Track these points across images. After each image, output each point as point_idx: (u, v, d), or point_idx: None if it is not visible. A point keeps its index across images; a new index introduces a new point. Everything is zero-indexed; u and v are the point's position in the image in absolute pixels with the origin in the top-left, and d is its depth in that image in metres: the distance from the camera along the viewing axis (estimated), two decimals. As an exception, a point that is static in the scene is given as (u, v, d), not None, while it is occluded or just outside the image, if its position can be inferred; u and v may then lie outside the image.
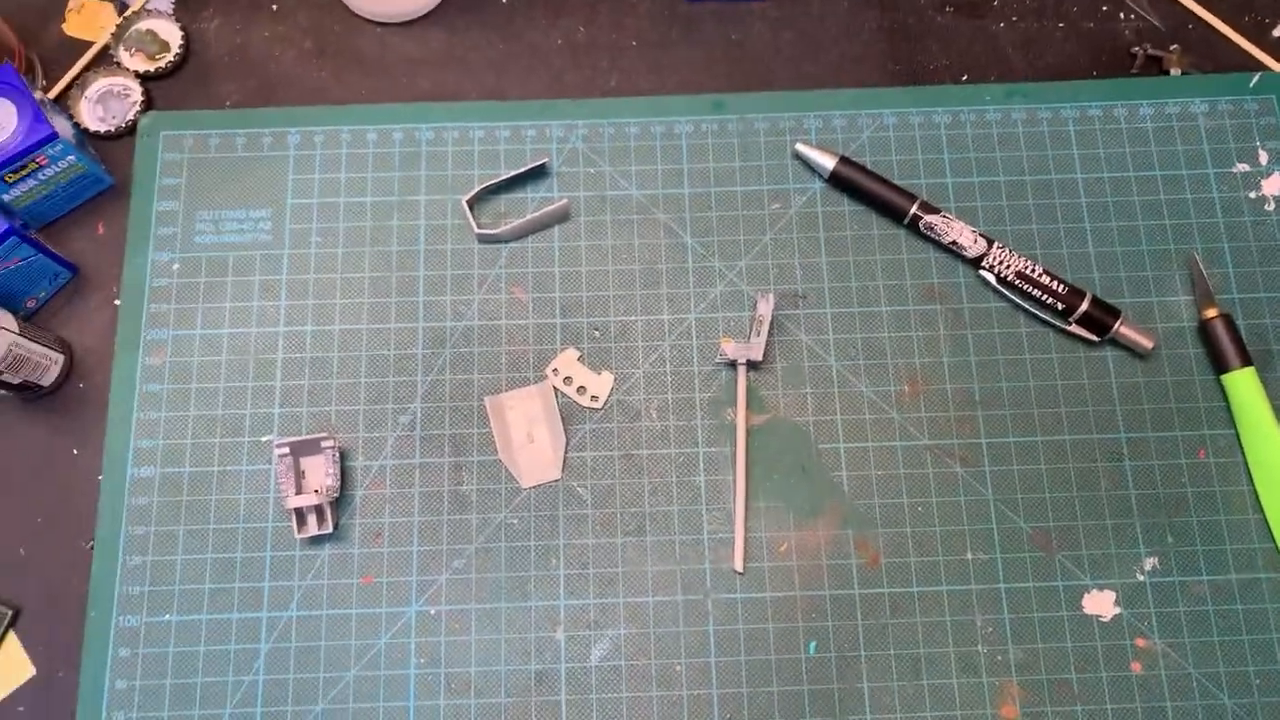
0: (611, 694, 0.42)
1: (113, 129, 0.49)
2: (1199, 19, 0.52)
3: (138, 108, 0.50)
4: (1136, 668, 0.43)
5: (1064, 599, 0.43)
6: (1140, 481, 0.45)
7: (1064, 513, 0.45)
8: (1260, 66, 0.51)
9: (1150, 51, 0.51)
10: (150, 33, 0.51)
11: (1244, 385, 0.45)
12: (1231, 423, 0.46)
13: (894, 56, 0.52)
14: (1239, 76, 0.51)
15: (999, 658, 0.43)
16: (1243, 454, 0.45)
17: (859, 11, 0.52)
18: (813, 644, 0.43)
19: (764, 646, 0.43)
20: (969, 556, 0.44)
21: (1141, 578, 0.44)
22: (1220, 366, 0.46)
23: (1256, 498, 0.45)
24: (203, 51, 0.52)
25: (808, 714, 0.42)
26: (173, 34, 0.51)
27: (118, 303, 0.47)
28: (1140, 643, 0.43)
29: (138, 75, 0.50)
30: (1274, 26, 0.52)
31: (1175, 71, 0.51)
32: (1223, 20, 0.52)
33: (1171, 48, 0.51)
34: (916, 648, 0.43)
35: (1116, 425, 0.46)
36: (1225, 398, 0.46)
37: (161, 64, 0.51)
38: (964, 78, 0.51)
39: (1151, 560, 0.44)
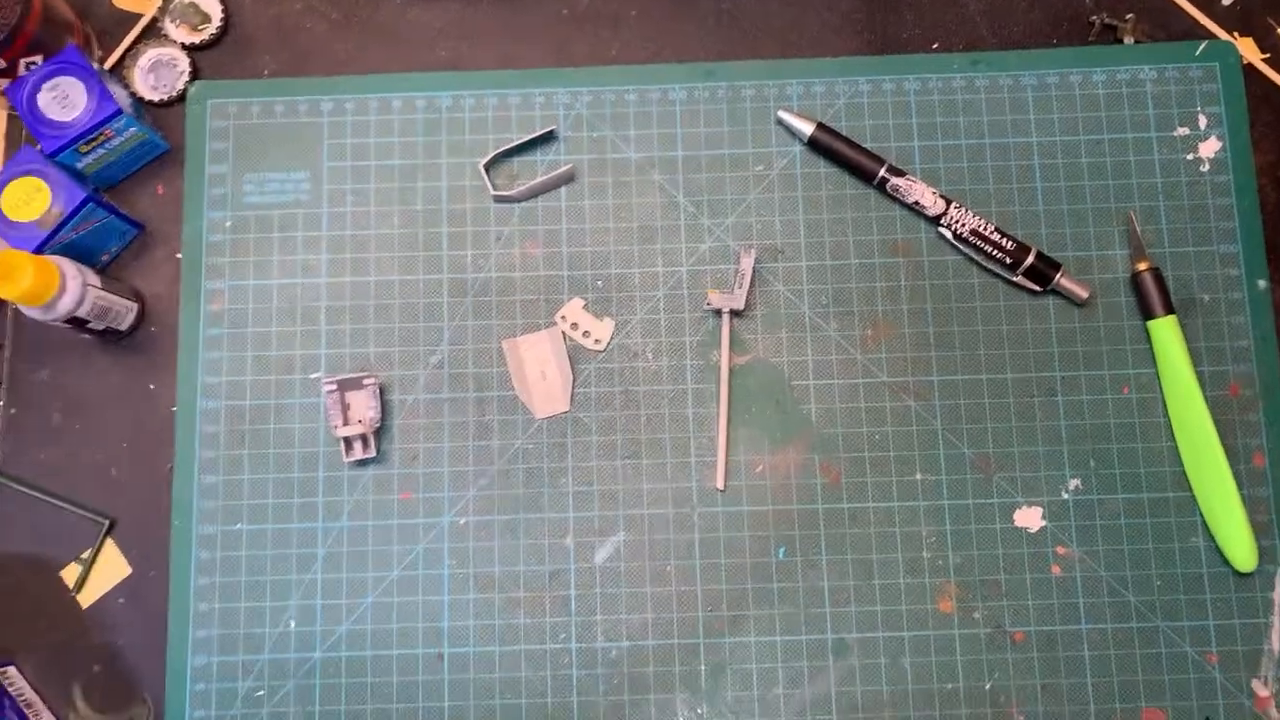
0: (612, 589, 0.50)
1: (165, 98, 0.55)
2: (1155, -12, 0.57)
3: (186, 77, 0.55)
4: (1056, 570, 0.50)
5: (998, 514, 0.51)
6: (1070, 414, 0.52)
7: (1002, 440, 0.52)
8: (1208, 34, 0.56)
9: (1106, 20, 0.56)
10: (193, 5, 0.56)
11: (1165, 331, 0.51)
12: (1153, 363, 0.52)
13: (870, 26, 0.56)
14: (1186, 45, 0.55)
15: (939, 562, 0.51)
16: (1161, 390, 0.52)
17: (840, -18, 0.57)
18: (782, 549, 0.51)
19: (740, 551, 0.51)
20: (918, 477, 0.51)
21: (1066, 496, 0.51)
22: (1146, 314, 0.52)
23: (1170, 428, 0.52)
24: (241, 23, 0.57)
25: (776, 606, 0.50)
26: (213, 7, 0.56)
27: (179, 256, 0.54)
28: (1061, 550, 0.51)
29: (183, 46, 0.56)
30: (1224, -5, 0.56)
31: (1129, 40, 0.56)
32: (1176, -10, 0.56)
33: (1126, 17, 0.56)
34: (870, 553, 0.51)
35: (1053, 365, 0.52)
36: (1149, 341, 0.52)
37: (204, 35, 0.56)
38: (934, 46, 0.56)
39: (1075, 481, 0.51)
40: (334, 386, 0.51)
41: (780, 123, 0.54)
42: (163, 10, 0.56)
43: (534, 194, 0.54)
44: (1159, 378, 0.52)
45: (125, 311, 0.52)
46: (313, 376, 0.52)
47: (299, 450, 0.52)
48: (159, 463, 0.52)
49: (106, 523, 0.51)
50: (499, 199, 0.54)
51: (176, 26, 0.56)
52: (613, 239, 0.54)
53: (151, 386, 0.53)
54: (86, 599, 0.51)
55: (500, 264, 0.53)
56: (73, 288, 0.48)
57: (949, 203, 0.52)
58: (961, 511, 0.51)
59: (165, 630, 0.50)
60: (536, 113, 0.55)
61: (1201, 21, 0.56)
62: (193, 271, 0.53)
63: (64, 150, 0.49)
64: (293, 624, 0.50)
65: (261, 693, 0.50)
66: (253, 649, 0.50)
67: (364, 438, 0.51)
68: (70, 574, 0.51)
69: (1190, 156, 0.54)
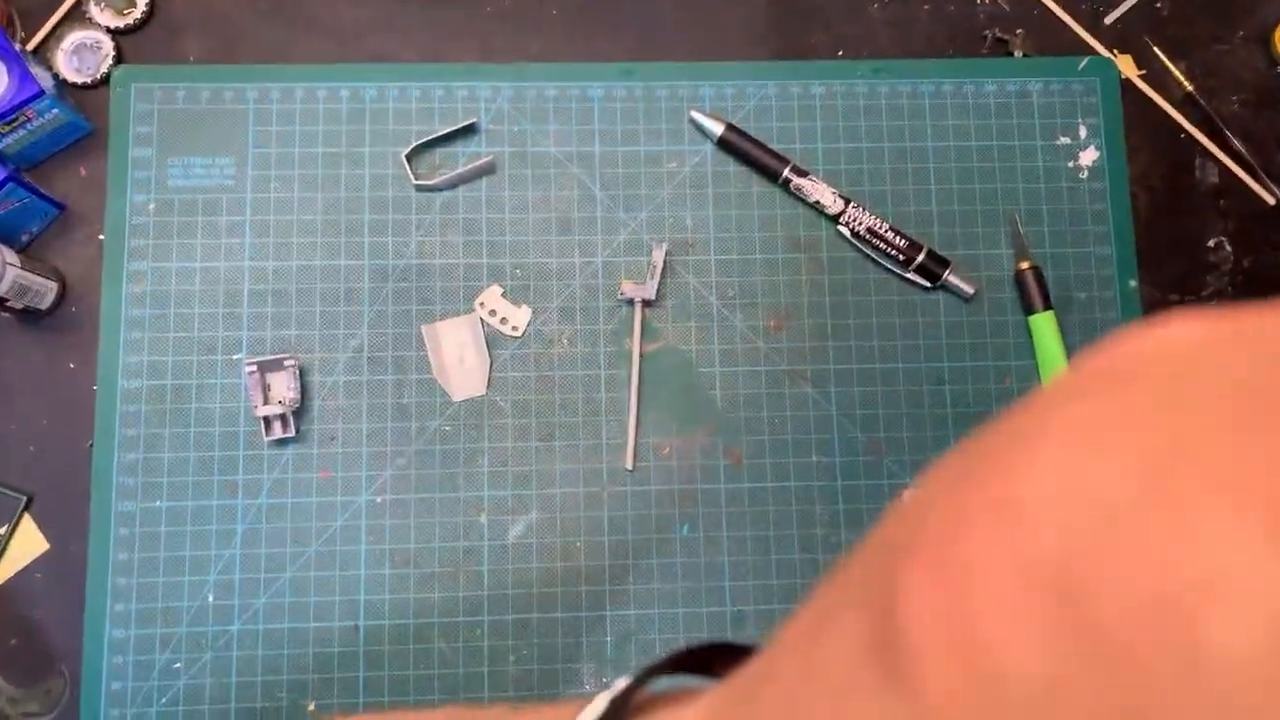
0: (524, 565, 0.53)
1: (88, 80, 0.56)
2: (1044, 6, 0.61)
3: (110, 60, 0.56)
4: (939, 547, 0.54)
5: (888, 493, 0.55)
6: (957, 402, 0.56)
7: (893, 426, 0.55)
8: (1091, 51, 0.60)
9: (998, 35, 0.60)
10: (117, -11, 0.57)
11: (1044, 326, 0.55)
12: (1033, 356, 0.56)
13: (781, 33, 0.60)
14: (1070, 60, 0.60)
15: (833, 539, 0.54)
16: (1039, 381, 0.56)
17: (753, -11, 0.60)
18: (685, 526, 0.54)
19: (647, 528, 0.54)
20: (814, 459, 0.55)
21: (950, 477, 0.55)
22: (1027, 309, 0.56)
23: (1046, 415, 0.56)
24: (167, 9, 0.57)
25: (679, 580, 0.53)
26: (138, -8, 0.57)
27: (102, 238, 0.55)
28: (944, 528, 0.54)
29: (108, 30, 0.56)
30: (1106, 15, 0.61)
31: (1019, 53, 0.60)
32: (1063, 8, 0.60)
33: (1017, 32, 0.60)
34: (767, 530, 0.54)
35: (941, 356, 0.56)
36: (1030, 335, 0.56)
37: (129, 19, 0.56)
38: (840, 53, 0.59)
39: (959, 464, 0.55)
40: (254, 368, 0.52)
41: (692, 122, 0.57)
42: (87, -7, 0.56)
43: (455, 184, 0.56)
44: (1038, 369, 0.56)
45: (45, 291, 0.52)
46: (234, 358, 0.54)
47: (219, 429, 0.53)
48: (79, 440, 0.53)
49: (24, 498, 0.52)
50: (420, 188, 0.56)
51: (101, 10, 0.57)
52: (531, 229, 0.56)
53: (72, 365, 0.54)
54: (2, 574, 0.52)
55: (421, 251, 0.55)
56: (-9, 266, 0.48)
57: (848, 202, 0.56)
58: (854, 491, 0.54)
59: (83, 605, 0.51)
60: (459, 105, 0.57)
61: (1085, 39, 0.60)
62: (115, 253, 0.54)
63: (-17, 130, 0.50)
64: (211, 598, 0.52)
65: (179, 665, 0.51)
66: (171, 622, 0.51)
67: (284, 417, 0.53)
68: (-13, 549, 0.52)
69: (1070, 164, 0.58)
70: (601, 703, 0.22)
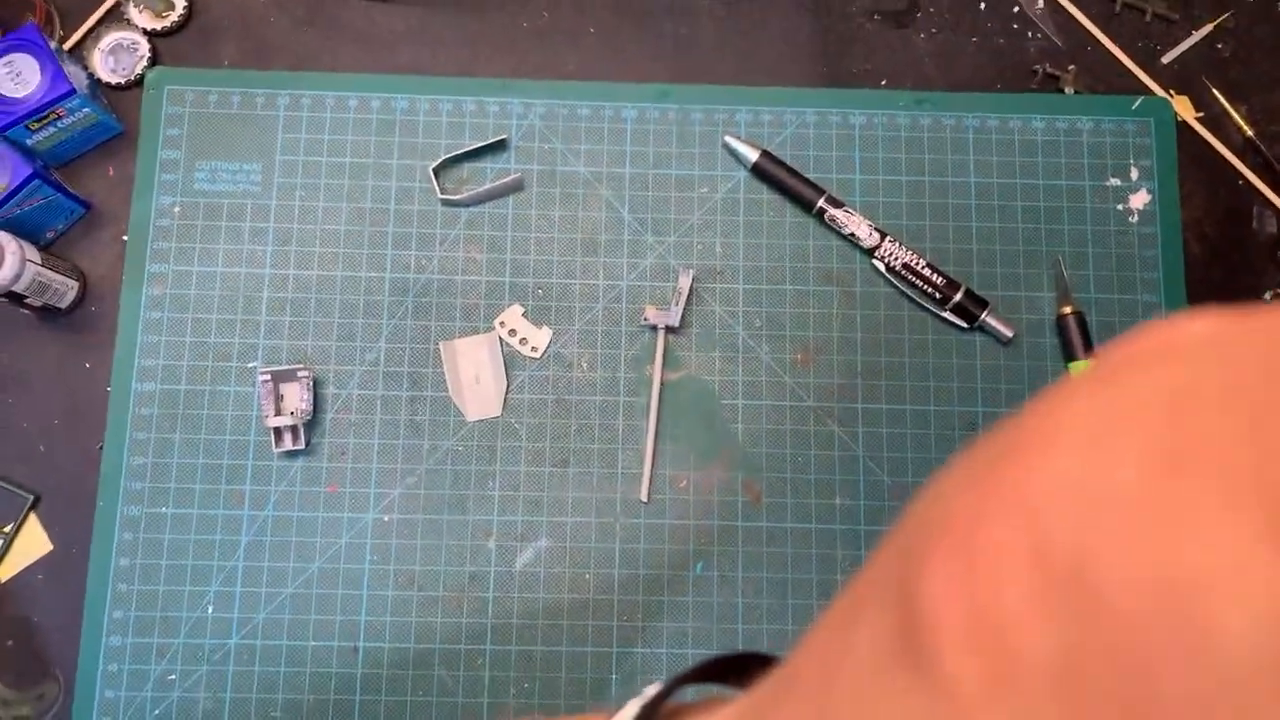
0: (530, 594, 0.51)
1: (122, 81, 0.56)
2: (1098, 42, 0.58)
3: (145, 62, 0.56)
4: (965, 600, 0.52)
5: (913, 541, 0.52)
6: (989, 448, 0.53)
7: (922, 471, 0.53)
8: (1146, 90, 0.58)
9: (1049, 70, 0.58)
10: (157, -8, 0.57)
11: (1085, 373, 0.53)
12: (1072, 404, 0.54)
13: (823, 59, 0.58)
14: (1124, 99, 0.57)
15: (853, 585, 0.52)
16: (1077, 431, 0.53)
17: (796, 15, 0.58)
18: (700, 564, 0.52)
19: (659, 563, 0.52)
20: (836, 501, 0.52)
21: (980, 528, 0.53)
22: (1068, 356, 0.54)
23: (1084, 468, 0.53)
24: (204, 12, 0.57)
25: (690, 620, 0.51)
26: (178, -5, 0.57)
27: (125, 238, 0.54)
28: (971, 580, 0.52)
29: (145, 31, 0.56)
30: (1163, 54, 0.58)
31: (1069, 90, 0.57)
32: (1118, 45, 0.58)
33: (1069, 68, 0.58)
34: (785, 573, 0.52)
35: (975, 400, 0.54)
36: (1069, 383, 0.54)
37: (167, 22, 0.56)
38: (883, 82, 0.58)
39: (989, 514, 0.53)
40: (268, 377, 0.51)
41: (726, 147, 0.55)
42: (127, -5, 0.57)
43: (481, 200, 0.55)
44: (1076, 419, 0.53)
45: (65, 289, 0.52)
46: (249, 366, 0.53)
47: (230, 438, 0.52)
48: (89, 441, 0.52)
49: (30, 498, 0.51)
50: (446, 203, 0.55)
51: (140, 11, 0.57)
52: (556, 249, 0.55)
53: (88, 365, 0.53)
54: (4, 573, 0.51)
55: (443, 266, 0.54)
56: (11, 262, 0.48)
57: (884, 236, 0.54)
58: (877, 538, 0.52)
59: (81, 609, 0.50)
60: (490, 121, 0.56)
61: (1140, 77, 0.58)
62: (137, 254, 0.54)
63: (13, 126, 0.50)
64: (210, 609, 0.51)
65: (174, 676, 0.50)
66: (168, 632, 0.50)
67: (295, 429, 0.52)
68: (-10, 547, 0.51)
69: (1120, 207, 0.56)
70: (633, 709, 0.23)
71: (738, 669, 0.24)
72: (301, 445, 0.52)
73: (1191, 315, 0.15)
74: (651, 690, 0.23)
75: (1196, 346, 0.14)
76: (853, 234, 0.54)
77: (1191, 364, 0.14)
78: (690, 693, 0.25)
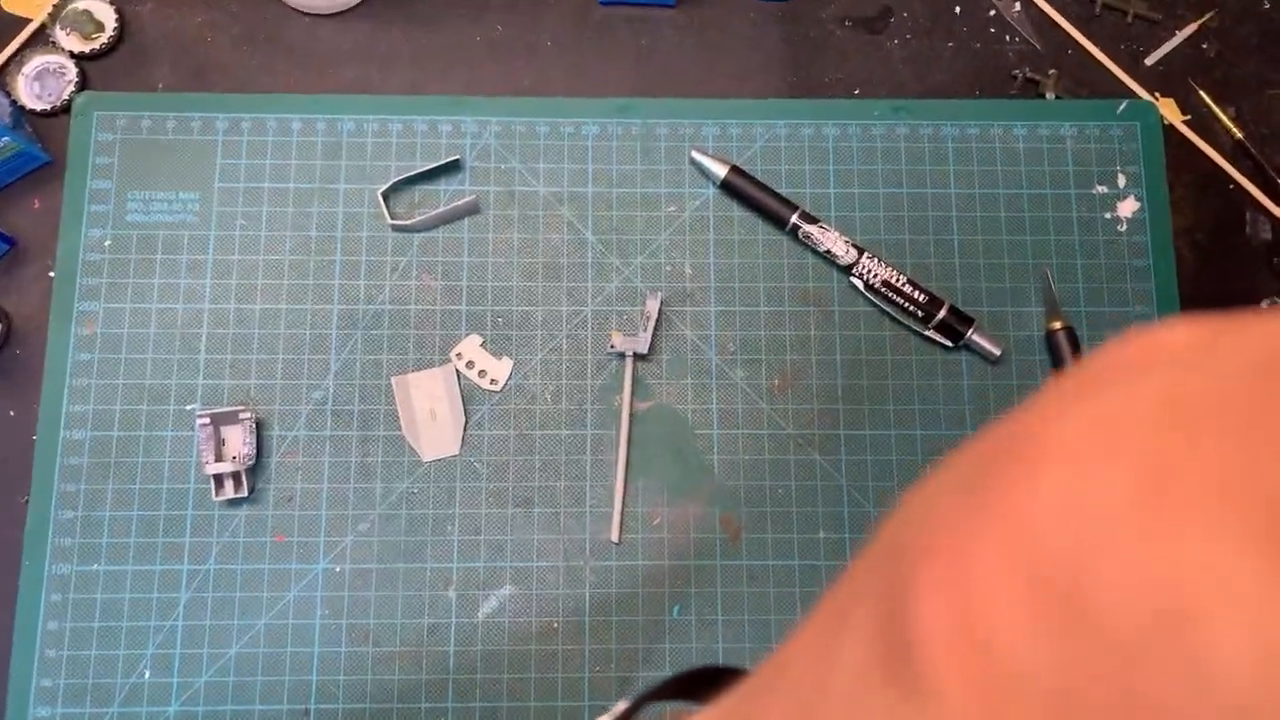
0: (495, 646, 0.48)
1: (49, 107, 0.52)
2: (1078, 45, 0.56)
3: (73, 87, 0.52)
4: (960, 638, 0.48)
5: (903, 576, 0.49)
6: (980, 474, 0.50)
7: (909, 500, 0.50)
8: (1130, 94, 0.56)
9: (1029, 75, 0.55)
10: (86, 13, 0.54)
11: (1078, 392, 0.50)
12: (1066, 424, 0.51)
13: (793, 68, 0.55)
14: (1108, 102, 0.55)
15: (840, 625, 0.48)
16: (1072, 453, 0.50)
17: (763, 23, 0.56)
18: (676, 608, 0.48)
19: (633, 609, 0.48)
20: (820, 535, 0.49)
21: (973, 559, 0.49)
22: (1060, 373, 0.51)
23: (1081, 492, 0.50)
24: (137, 34, 0.54)
25: (667, 668, 0.48)
26: (108, 15, 0.54)
27: (52, 275, 0.51)
28: (966, 616, 0.49)
29: (73, 55, 0.53)
30: (1147, 56, 0.56)
31: (1050, 95, 0.55)
32: (1100, 48, 0.56)
33: (1050, 72, 0.55)
34: (768, 614, 0.48)
35: (964, 423, 0.51)
36: (1062, 402, 0.51)
37: (96, 44, 0.53)
38: (856, 91, 0.55)
39: (983, 544, 0.50)
40: (207, 420, 0.48)
41: (694, 163, 0.53)
42: (53, 17, 0.53)
43: (435, 224, 0.52)
44: (1071, 440, 0.50)
45: (-14, 331, 0.48)
46: (188, 408, 0.49)
47: (167, 486, 0.48)
48: (13, 495, 0.48)
49: (-50, 558, 0.47)
50: (397, 228, 0.51)
51: (67, 34, 0.53)
52: (515, 275, 0.52)
53: (11, 413, 0.49)
54: (-79, 641, 0.47)
55: (395, 296, 0.51)
56: (-79, 305, 0.44)
57: (861, 252, 0.51)
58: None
59: (6, 678, 0.46)
60: (443, 140, 0.53)
61: (1124, 80, 0.56)
62: (65, 291, 0.50)
63: (-76, 158, 0.46)
64: (148, 674, 0.47)
65: (107, 749, 0.46)
66: (101, 701, 0.46)
67: (237, 475, 0.48)
68: (-94, 613, 0.47)
69: (1108, 215, 0.53)
70: None
71: (706, 683, 0.25)
72: (245, 493, 0.48)
73: (1171, 323, 0.15)
74: (620, 707, 0.24)
75: (1178, 355, 0.14)
76: (829, 251, 0.51)
77: (1174, 374, 0.13)
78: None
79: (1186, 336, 0.14)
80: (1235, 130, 0.55)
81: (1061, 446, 0.13)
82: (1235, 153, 0.55)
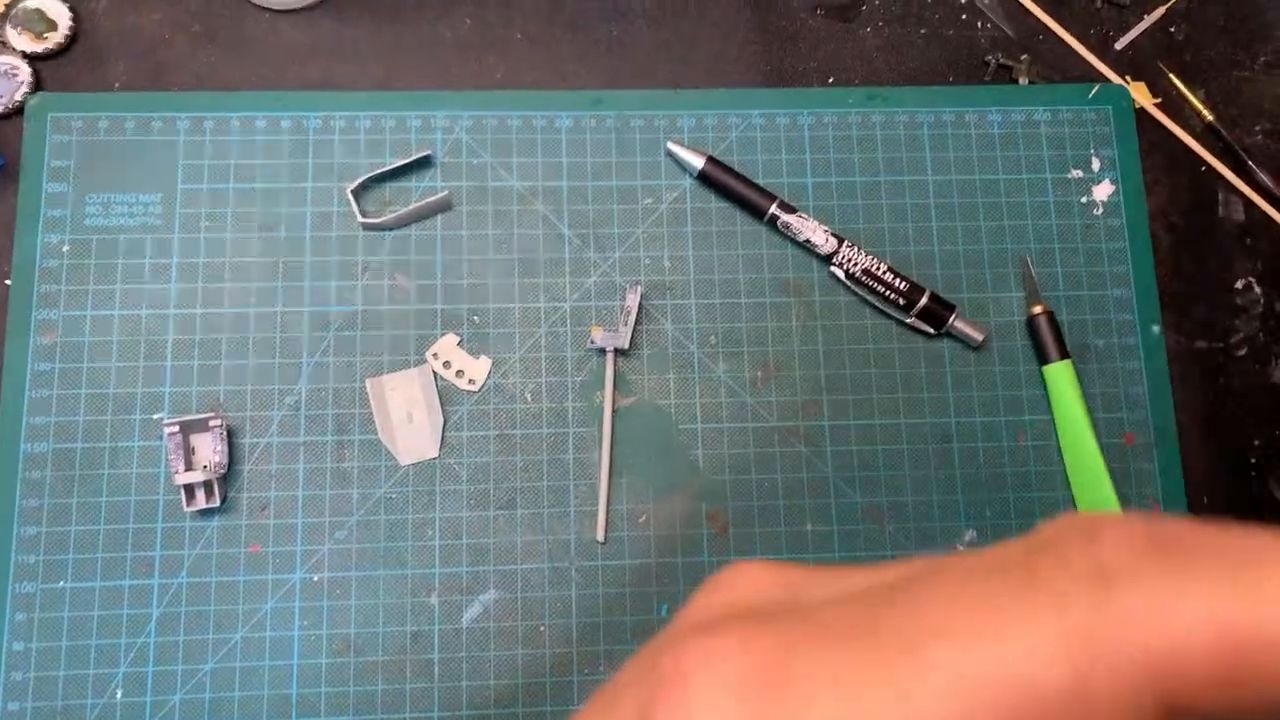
0: (480, 652, 0.46)
1: (1, 110, 0.50)
2: (1050, 30, 0.56)
3: (25, 88, 0.51)
4: (951, 626, 0.48)
5: (891, 566, 0.48)
6: (965, 462, 0.50)
7: (896, 489, 0.49)
8: (1101, 78, 0.56)
9: (1002, 61, 0.55)
10: (38, 11, 0.52)
11: (1060, 376, 0.50)
12: (1049, 409, 0.51)
13: (766, 58, 0.55)
14: (1080, 87, 0.55)
15: (830, 618, 0.48)
16: (1056, 437, 0.50)
17: (735, 13, 0.55)
18: (665, 606, 0.47)
19: (621, 609, 0.47)
20: (808, 528, 0.49)
21: (961, 548, 0.49)
22: (1041, 358, 0.51)
23: (1066, 476, 0.50)
24: (92, 32, 0.52)
25: (657, 669, 0.47)
26: (61, 13, 0.52)
27: (8, 283, 0.49)
28: (955, 604, 0.48)
29: (24, 55, 0.51)
30: (1116, 40, 0.56)
31: (1024, 80, 0.55)
32: (1071, 33, 0.56)
33: (1022, 58, 0.55)
34: (757, 610, 0.48)
35: (948, 410, 0.51)
36: (1045, 387, 0.51)
37: (49, 44, 0.51)
38: (830, 80, 0.55)
39: (971, 533, 0.49)
40: (176, 428, 0.46)
41: (670, 155, 0.52)
42: (3, 16, 0.51)
43: (406, 222, 0.50)
44: (1054, 423, 0.50)
45: (-61, 343, 0.46)
46: (155, 417, 0.48)
47: (135, 498, 0.47)
48: (-27, 512, 0.46)
49: (-94, 581, 0.45)
50: (368, 227, 0.50)
51: (18, 33, 0.51)
52: (491, 272, 0.50)
53: (-32, 427, 0.47)
54: (-122, 668, 0.45)
55: (367, 296, 0.50)
56: None
57: (841, 241, 0.50)
58: (853, 564, 0.48)
59: (-31, 703, 0.44)
60: (412, 136, 0.52)
61: (1095, 65, 0.56)
62: (22, 300, 0.48)
63: None
64: (120, 694, 0.45)
65: (79, 774, 0.44)
66: (71, 723, 0.44)
67: (208, 485, 0.46)
68: None
69: (1084, 199, 0.53)
70: None
71: None
72: (216, 502, 0.46)
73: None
74: None
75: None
76: (808, 240, 0.50)
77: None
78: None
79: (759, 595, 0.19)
80: (1206, 112, 0.55)
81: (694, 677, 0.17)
82: (1206, 134, 0.55)
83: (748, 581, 0.20)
